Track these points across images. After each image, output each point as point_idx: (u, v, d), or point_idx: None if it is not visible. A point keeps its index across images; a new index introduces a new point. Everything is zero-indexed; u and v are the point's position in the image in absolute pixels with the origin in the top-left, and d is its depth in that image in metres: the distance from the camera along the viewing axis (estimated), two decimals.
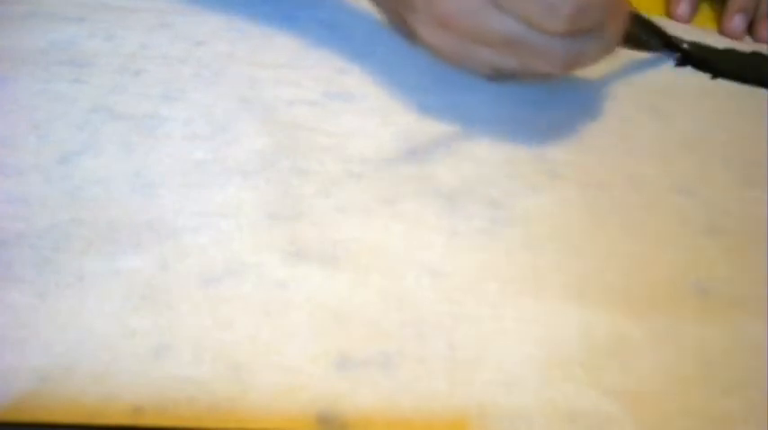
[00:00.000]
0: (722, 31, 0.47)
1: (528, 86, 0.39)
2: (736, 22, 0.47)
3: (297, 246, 0.29)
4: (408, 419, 0.24)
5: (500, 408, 0.25)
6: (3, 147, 0.33)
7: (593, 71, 0.41)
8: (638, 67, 0.43)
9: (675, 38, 0.44)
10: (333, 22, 0.43)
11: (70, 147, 0.33)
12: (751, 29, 0.47)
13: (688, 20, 0.48)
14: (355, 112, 0.37)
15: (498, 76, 0.34)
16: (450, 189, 0.33)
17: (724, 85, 0.42)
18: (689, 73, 0.43)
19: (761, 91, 0.42)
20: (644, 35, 0.42)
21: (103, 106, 0.35)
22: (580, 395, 0.25)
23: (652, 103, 0.40)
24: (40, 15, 0.41)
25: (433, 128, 0.36)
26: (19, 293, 0.27)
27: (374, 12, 0.40)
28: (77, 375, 0.24)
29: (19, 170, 0.31)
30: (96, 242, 0.29)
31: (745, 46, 0.46)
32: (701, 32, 0.46)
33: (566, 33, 0.31)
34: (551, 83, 0.38)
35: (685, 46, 0.44)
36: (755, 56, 0.45)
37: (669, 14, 0.48)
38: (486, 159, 0.35)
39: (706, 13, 0.49)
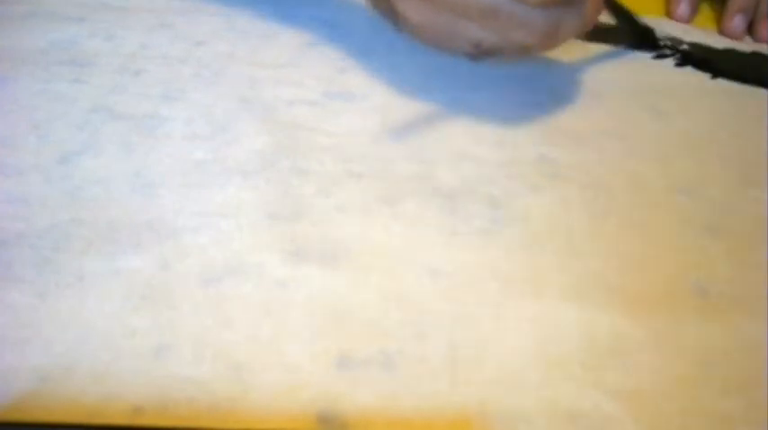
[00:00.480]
0: (722, 32, 0.47)
1: (527, 87, 0.39)
2: (736, 22, 0.47)
3: (297, 245, 0.29)
4: (409, 419, 0.24)
5: (500, 408, 0.25)
6: (3, 147, 0.33)
7: (592, 71, 0.41)
8: (638, 66, 0.43)
9: (649, 28, 0.44)
10: (333, 22, 0.43)
11: (70, 147, 0.33)
12: (751, 29, 0.47)
13: (688, 20, 0.48)
14: (356, 112, 0.37)
15: (480, 53, 0.34)
16: (450, 189, 0.33)
17: (724, 85, 0.42)
18: (689, 73, 0.43)
19: (761, 91, 0.42)
20: (621, 25, 0.43)
21: (103, 106, 0.35)
22: (580, 395, 0.25)
23: (652, 103, 0.40)
24: (40, 15, 0.41)
25: (433, 127, 0.36)
26: (19, 293, 0.27)
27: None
28: (77, 375, 0.24)
29: (19, 170, 0.31)
30: (96, 242, 0.29)
31: (745, 46, 0.46)
32: (700, 32, 0.46)
33: (543, 4, 0.32)
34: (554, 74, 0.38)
35: (685, 46, 0.45)
36: (755, 56, 0.45)
37: (669, 15, 0.48)
38: (486, 159, 0.35)
39: (706, 13, 0.49)
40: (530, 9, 0.32)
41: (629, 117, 0.39)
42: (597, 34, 0.43)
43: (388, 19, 0.36)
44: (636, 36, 0.44)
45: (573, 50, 0.42)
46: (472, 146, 0.35)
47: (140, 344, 0.25)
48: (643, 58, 0.43)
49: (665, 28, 0.46)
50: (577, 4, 0.33)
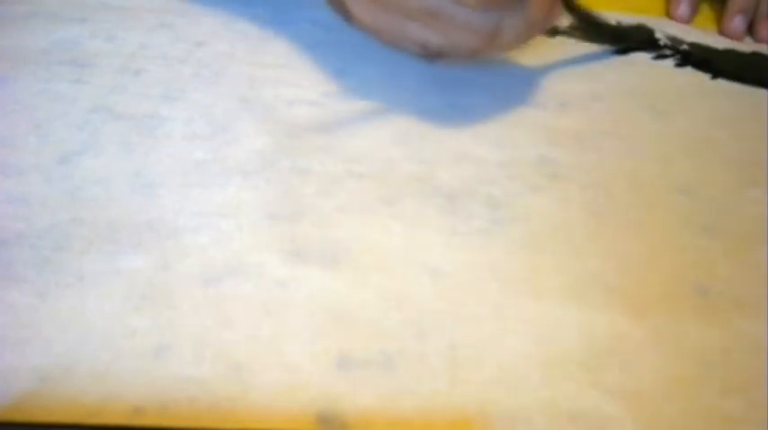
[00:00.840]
0: (722, 32, 0.47)
1: (527, 88, 0.39)
2: (736, 23, 0.47)
3: (297, 245, 0.29)
4: (408, 419, 0.24)
5: (500, 408, 0.25)
6: (3, 147, 0.33)
7: (592, 71, 0.41)
8: (638, 66, 0.43)
9: (611, 25, 0.44)
10: (332, 23, 0.42)
11: (70, 147, 0.33)
12: (751, 29, 0.47)
13: (688, 20, 0.48)
14: (355, 112, 0.37)
15: (428, 54, 0.34)
16: (450, 189, 0.33)
17: (724, 85, 0.42)
18: (689, 73, 0.43)
19: (761, 91, 0.42)
20: (584, 27, 0.42)
21: (104, 106, 0.35)
22: (580, 395, 0.25)
23: (652, 103, 0.40)
24: (41, 15, 0.41)
25: (433, 128, 0.36)
26: (19, 293, 0.27)
27: None
28: (77, 375, 0.24)
29: (19, 170, 0.31)
30: (96, 242, 0.29)
31: (745, 46, 0.46)
32: (700, 33, 0.46)
33: (482, 5, 0.32)
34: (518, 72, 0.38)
35: (685, 46, 0.45)
36: (755, 56, 0.45)
37: (669, 15, 0.48)
38: (486, 159, 0.35)
39: (706, 13, 0.49)
40: (469, 11, 0.32)
41: (629, 117, 0.39)
42: (595, 34, 0.43)
43: (341, 16, 0.36)
44: (605, 37, 0.43)
45: (573, 50, 0.42)
46: (472, 146, 0.35)
47: (140, 344, 0.25)
48: (643, 58, 0.43)
49: (665, 28, 0.46)
50: (519, 7, 0.33)
